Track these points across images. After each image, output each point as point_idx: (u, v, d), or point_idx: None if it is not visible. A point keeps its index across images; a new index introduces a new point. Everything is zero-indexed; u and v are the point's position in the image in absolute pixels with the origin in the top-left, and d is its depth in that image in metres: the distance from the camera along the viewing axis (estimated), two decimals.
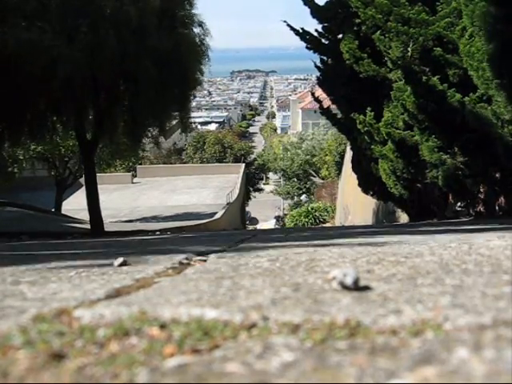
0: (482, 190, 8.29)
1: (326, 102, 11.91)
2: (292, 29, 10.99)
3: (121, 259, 1.94)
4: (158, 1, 11.38)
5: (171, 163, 39.38)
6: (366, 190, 11.98)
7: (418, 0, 8.20)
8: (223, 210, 21.90)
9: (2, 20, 9.99)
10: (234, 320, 0.97)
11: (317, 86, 13.22)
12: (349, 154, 17.22)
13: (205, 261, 2.00)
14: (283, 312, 1.03)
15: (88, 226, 13.22)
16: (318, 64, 11.25)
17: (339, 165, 31.84)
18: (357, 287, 1.22)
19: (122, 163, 29.55)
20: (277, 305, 1.09)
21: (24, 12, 10.17)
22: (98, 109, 12.07)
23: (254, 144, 62.08)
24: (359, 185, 12.15)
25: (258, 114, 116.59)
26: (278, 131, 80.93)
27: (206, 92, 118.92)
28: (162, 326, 0.95)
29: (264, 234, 6.44)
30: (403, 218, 12.10)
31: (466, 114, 7.17)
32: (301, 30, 10.91)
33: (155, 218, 20.98)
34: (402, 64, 7.94)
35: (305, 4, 10.64)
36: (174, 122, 14.15)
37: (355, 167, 12.03)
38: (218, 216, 20.46)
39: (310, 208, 30.68)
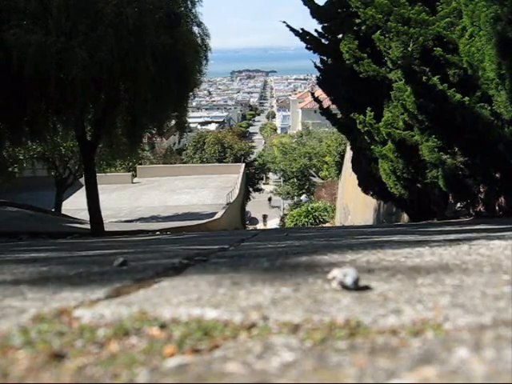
0: (482, 189, 8.29)
1: (326, 102, 11.91)
2: (292, 29, 10.99)
3: (121, 259, 1.94)
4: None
5: (171, 163, 39.37)
6: (366, 190, 11.99)
7: (418, 0, 8.20)
8: (223, 210, 21.91)
9: (5, 20, 9.99)
10: (233, 320, 0.97)
11: (317, 86, 13.23)
12: (349, 154, 17.23)
13: (205, 261, 2.00)
14: (283, 312, 1.02)
15: (88, 226, 13.22)
16: (318, 64, 11.26)
17: (339, 165, 31.86)
18: (357, 287, 1.22)
19: (121, 163, 29.54)
20: (277, 305, 1.09)
21: (26, 12, 10.18)
22: (98, 109, 12.08)
23: (253, 144, 62.08)
24: (359, 185, 12.16)
25: (258, 114, 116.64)
26: (278, 131, 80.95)
27: (206, 92, 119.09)
28: (162, 326, 0.95)
29: (265, 234, 6.44)
30: (403, 218, 12.10)
31: (465, 114, 7.17)
32: (301, 31, 10.92)
33: (155, 218, 20.99)
34: (402, 64, 7.93)
35: (305, 4, 10.65)
36: (174, 123, 14.13)
37: (355, 167, 12.04)
38: (218, 216, 20.47)
39: (309, 208, 30.68)
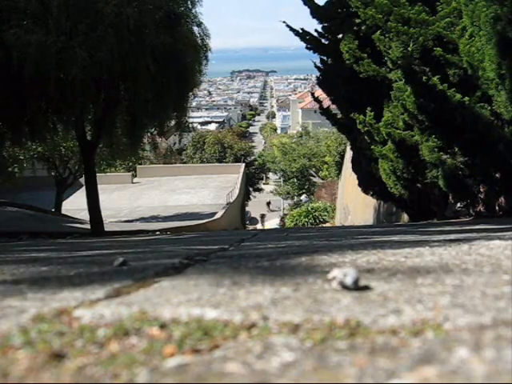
0: (482, 189, 8.29)
1: (326, 102, 11.91)
2: (292, 29, 10.99)
3: (121, 259, 1.94)
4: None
5: (171, 163, 39.36)
6: (366, 190, 11.98)
7: (418, 0, 8.20)
8: (223, 210, 21.91)
9: (5, 20, 10.00)
10: (233, 320, 0.97)
11: (317, 86, 13.23)
12: (349, 154, 17.22)
13: (205, 261, 2.00)
14: (283, 312, 1.02)
15: (88, 226, 13.23)
16: (318, 64, 11.26)
17: (339, 165, 31.85)
18: (357, 287, 1.22)
19: (122, 163, 29.53)
20: (277, 305, 1.09)
21: (26, 12, 10.19)
22: (98, 109, 12.08)
23: (254, 144, 62.09)
24: (359, 185, 12.16)
25: (258, 114, 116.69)
26: (278, 131, 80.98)
27: (206, 92, 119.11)
28: (162, 326, 0.95)
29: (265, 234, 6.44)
30: (403, 218, 12.10)
31: (465, 114, 7.17)
32: (301, 31, 10.92)
33: (155, 218, 20.99)
34: (402, 64, 7.94)
35: (305, 4, 10.65)
36: (174, 123, 14.14)
37: (355, 167, 12.03)
38: (217, 216, 20.47)
39: (310, 208, 30.67)
